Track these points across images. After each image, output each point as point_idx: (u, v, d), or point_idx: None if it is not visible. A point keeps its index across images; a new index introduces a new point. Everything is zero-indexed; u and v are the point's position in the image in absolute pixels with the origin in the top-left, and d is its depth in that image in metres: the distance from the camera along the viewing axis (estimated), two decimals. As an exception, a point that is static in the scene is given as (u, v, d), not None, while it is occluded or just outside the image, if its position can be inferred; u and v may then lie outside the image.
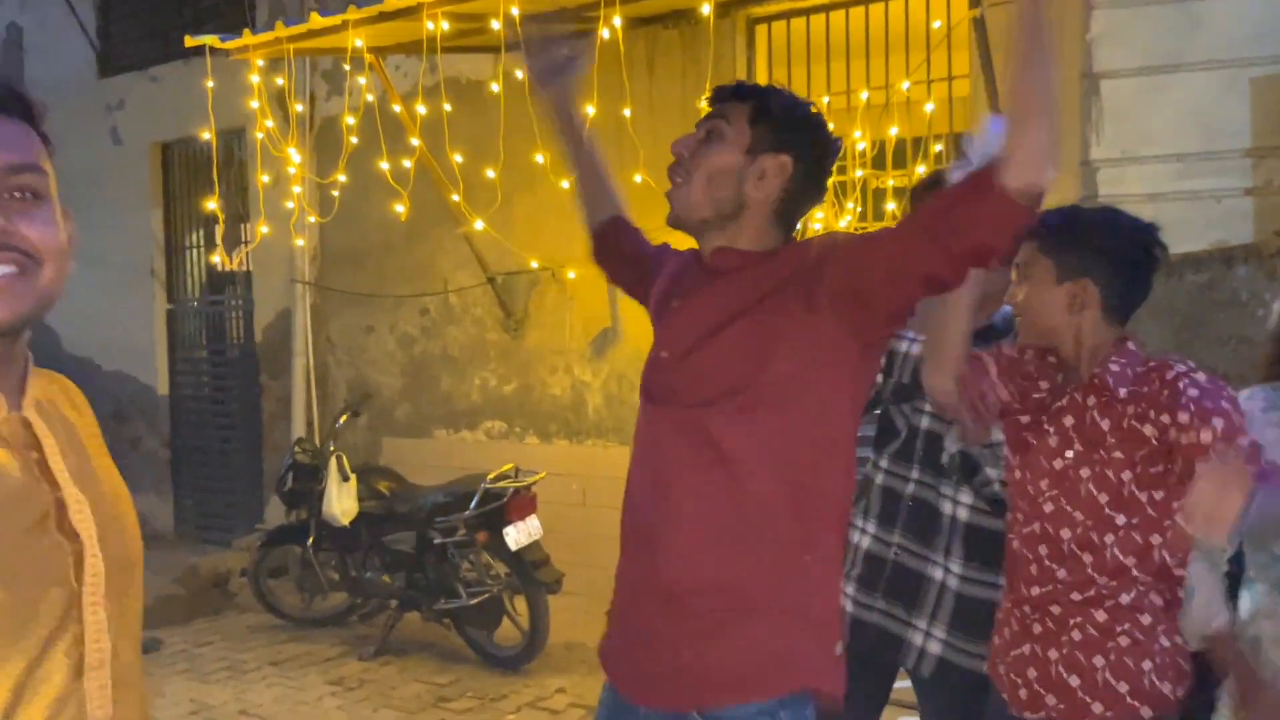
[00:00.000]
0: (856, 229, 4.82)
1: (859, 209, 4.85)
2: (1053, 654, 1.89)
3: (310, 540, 5.29)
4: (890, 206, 4.99)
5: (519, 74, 4.46)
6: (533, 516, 4.75)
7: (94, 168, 7.89)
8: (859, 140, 4.68)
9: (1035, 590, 1.92)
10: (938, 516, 2.21)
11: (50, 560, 1.05)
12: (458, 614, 4.86)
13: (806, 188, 1.75)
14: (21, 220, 1.06)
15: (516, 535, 4.65)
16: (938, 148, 4.76)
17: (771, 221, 1.74)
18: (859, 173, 4.76)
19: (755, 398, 1.62)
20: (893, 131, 4.61)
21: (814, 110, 1.77)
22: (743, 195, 1.71)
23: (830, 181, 2.03)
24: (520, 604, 4.82)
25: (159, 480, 7.87)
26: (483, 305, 6.15)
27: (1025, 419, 1.98)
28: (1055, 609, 1.90)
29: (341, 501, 5.01)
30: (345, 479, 5.05)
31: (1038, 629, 1.92)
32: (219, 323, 7.80)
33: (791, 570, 1.65)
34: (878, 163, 4.95)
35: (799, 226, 1.83)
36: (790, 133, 1.71)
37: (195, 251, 7.91)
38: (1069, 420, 1.91)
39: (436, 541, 4.86)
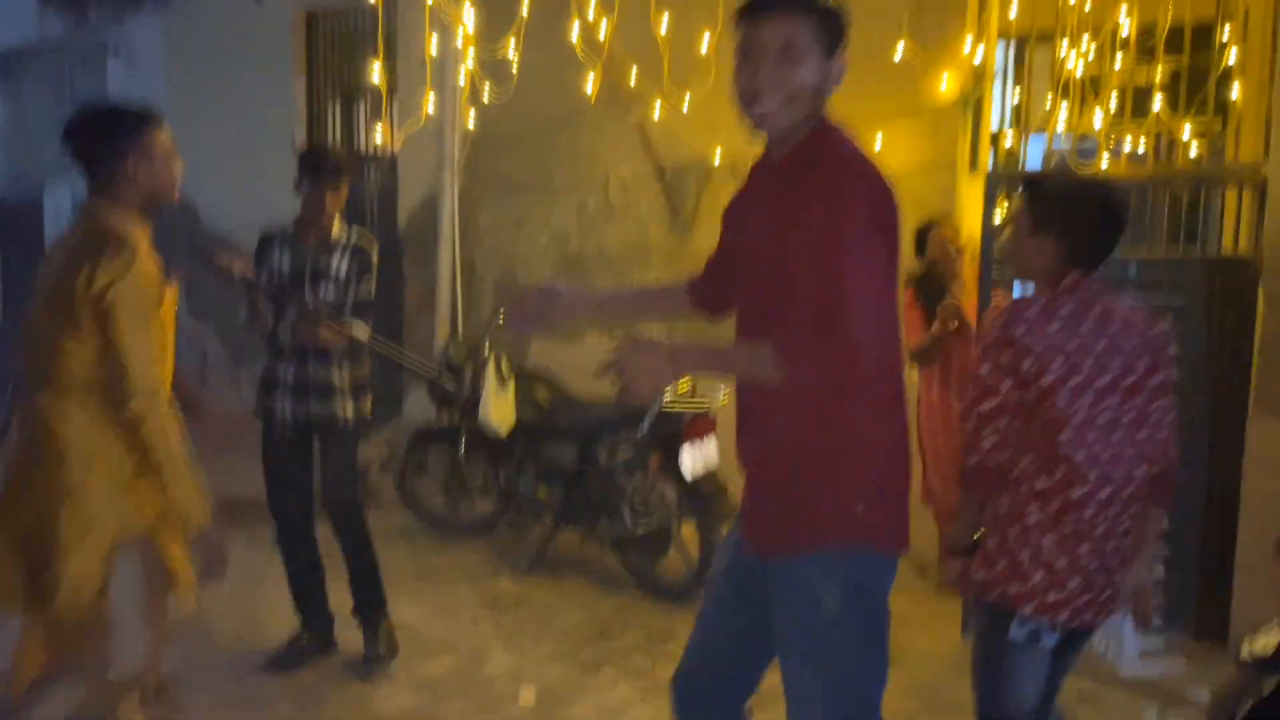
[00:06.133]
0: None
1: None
2: None
3: (461, 446, 4.97)
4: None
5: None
6: (711, 439, 4.30)
7: (238, 31, 7.57)
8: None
9: None
10: None
11: None
12: (621, 539, 4.50)
13: None
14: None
15: (692, 463, 4.21)
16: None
17: None
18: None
19: None
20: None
21: None
22: None
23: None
24: (687, 530, 4.44)
25: (296, 365, 7.67)
26: (646, 202, 5.62)
27: None
28: None
29: (499, 410, 4.64)
30: (503, 385, 4.68)
31: None
32: (359, 206, 7.46)
33: None
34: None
35: None
36: None
37: (337, 129, 7.54)
38: None
39: (601, 461, 4.47)
